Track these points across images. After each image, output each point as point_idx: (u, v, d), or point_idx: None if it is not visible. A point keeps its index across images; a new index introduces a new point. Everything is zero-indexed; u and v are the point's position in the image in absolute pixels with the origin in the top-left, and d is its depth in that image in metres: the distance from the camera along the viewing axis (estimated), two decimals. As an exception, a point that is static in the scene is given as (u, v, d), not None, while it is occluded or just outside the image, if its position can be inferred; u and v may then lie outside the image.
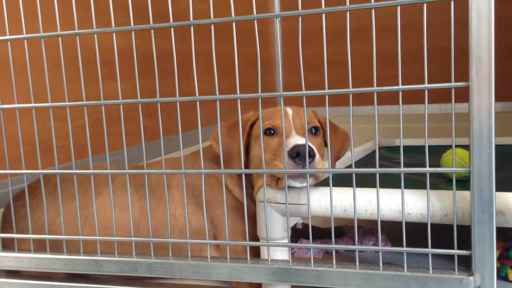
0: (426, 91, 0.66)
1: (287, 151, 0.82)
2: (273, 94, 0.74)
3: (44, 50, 0.81)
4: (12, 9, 0.86)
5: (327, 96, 0.72)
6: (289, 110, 0.99)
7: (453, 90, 0.65)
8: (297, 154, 0.80)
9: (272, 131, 0.96)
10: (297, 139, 0.87)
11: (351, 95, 0.70)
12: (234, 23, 0.75)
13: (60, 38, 0.80)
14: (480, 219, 0.63)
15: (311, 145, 0.84)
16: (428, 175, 0.67)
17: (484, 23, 0.62)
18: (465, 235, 0.65)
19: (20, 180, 1.06)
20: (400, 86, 0.68)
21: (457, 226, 0.66)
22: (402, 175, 0.67)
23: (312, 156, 0.81)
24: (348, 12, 0.69)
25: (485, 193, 0.63)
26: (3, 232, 0.99)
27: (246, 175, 0.98)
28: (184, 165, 0.99)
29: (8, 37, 0.82)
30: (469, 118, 0.63)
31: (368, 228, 1.09)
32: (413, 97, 0.85)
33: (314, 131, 0.99)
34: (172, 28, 0.76)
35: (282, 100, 0.76)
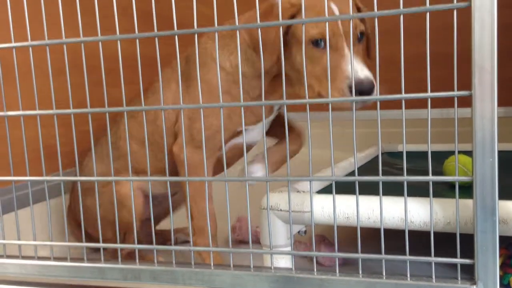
0: (429, 100, 0.66)
1: (348, 83, 0.75)
2: (276, 102, 0.74)
3: (49, 57, 0.81)
4: (17, 15, 0.87)
5: (330, 105, 0.72)
6: (335, 10, 0.83)
7: (455, 98, 0.65)
8: (359, 91, 0.74)
9: (320, 42, 0.81)
10: (355, 68, 0.76)
11: (354, 104, 0.70)
12: (238, 31, 0.75)
13: (65, 46, 0.80)
14: (483, 228, 0.63)
15: (370, 75, 0.75)
16: (430, 183, 0.67)
17: (487, 31, 0.62)
18: (468, 243, 0.65)
19: (24, 187, 1.07)
20: (403, 95, 0.68)
21: (460, 234, 0.66)
22: (405, 183, 0.67)
23: (372, 89, 0.74)
24: (351, 20, 0.70)
25: (488, 202, 0.63)
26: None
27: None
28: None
29: (13, 44, 0.83)
30: (472, 126, 0.63)
31: (321, 235, 1.08)
32: (415, 102, 0.85)
33: (360, 36, 0.86)
34: (176, 36, 0.76)
35: (285, 107, 0.76)
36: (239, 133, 1.01)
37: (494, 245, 0.63)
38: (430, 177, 0.67)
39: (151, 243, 0.77)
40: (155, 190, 1.10)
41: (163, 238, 1.27)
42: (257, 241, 1.16)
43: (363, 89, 0.74)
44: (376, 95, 0.69)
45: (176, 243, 1.28)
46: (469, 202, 0.70)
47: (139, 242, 1.16)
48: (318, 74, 0.83)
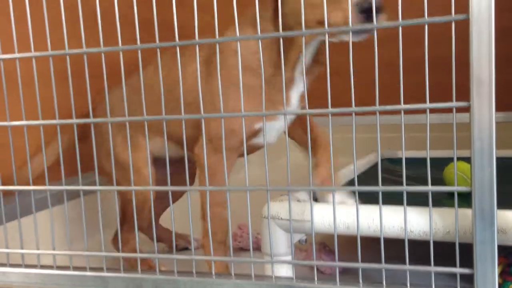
0: (428, 111, 0.67)
1: (355, 2, 0.71)
2: (277, 112, 0.75)
3: (52, 68, 0.82)
4: (20, 25, 0.88)
5: (330, 115, 0.73)
6: None
7: (454, 109, 0.66)
8: (366, 9, 0.71)
9: None
10: None
11: (353, 114, 0.71)
12: (238, 42, 0.76)
13: (68, 57, 0.81)
14: (482, 238, 0.64)
15: None
16: (430, 193, 0.68)
17: (484, 44, 0.63)
18: (468, 252, 0.66)
19: (27, 194, 1.08)
20: (402, 106, 0.69)
21: (460, 243, 0.67)
22: (405, 193, 0.68)
23: (381, 8, 0.71)
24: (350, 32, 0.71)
25: (486, 212, 0.64)
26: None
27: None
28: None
29: (16, 55, 0.83)
30: (470, 138, 0.64)
31: (322, 243, 1.08)
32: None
33: None
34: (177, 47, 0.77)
35: (285, 118, 0.77)
36: (257, 131, 0.95)
37: (493, 255, 0.64)
38: (430, 187, 0.68)
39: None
40: (163, 152, 1.07)
41: (167, 238, 1.27)
42: (258, 248, 1.17)
43: (369, 6, 0.70)
44: (376, 106, 0.70)
45: (176, 249, 1.28)
46: (468, 211, 0.71)
47: (140, 230, 1.17)
48: (319, 2, 0.76)
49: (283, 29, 0.83)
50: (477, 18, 0.63)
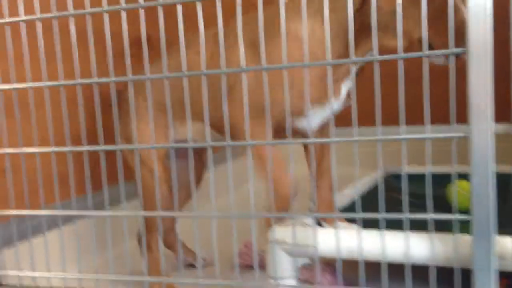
0: (429, 142, 0.69)
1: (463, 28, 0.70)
2: (281, 141, 0.77)
3: (64, 96, 0.85)
4: (33, 53, 0.90)
5: (333, 140, 0.75)
6: None
7: (454, 140, 0.68)
8: None
9: None
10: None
11: (357, 144, 0.73)
12: (244, 74, 0.79)
13: (79, 86, 0.84)
14: (481, 265, 0.66)
15: None
16: (430, 220, 0.70)
17: (482, 75, 0.65)
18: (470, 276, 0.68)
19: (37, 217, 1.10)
20: (403, 136, 0.71)
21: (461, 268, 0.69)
22: (406, 220, 0.70)
23: None
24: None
25: (485, 239, 0.66)
26: None
27: None
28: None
29: (30, 84, 0.86)
30: (470, 162, 0.66)
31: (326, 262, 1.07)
32: (417, 119, 0.87)
33: None
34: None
35: (292, 148, 0.79)
36: (301, 112, 0.91)
37: (493, 282, 0.65)
38: (430, 215, 0.70)
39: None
40: (178, 136, 1.04)
41: (177, 249, 1.28)
42: (262, 266, 1.19)
43: None
44: (378, 136, 0.72)
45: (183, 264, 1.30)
46: (468, 238, 0.73)
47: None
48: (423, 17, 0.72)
49: (361, 26, 0.84)
50: (476, 52, 0.65)
